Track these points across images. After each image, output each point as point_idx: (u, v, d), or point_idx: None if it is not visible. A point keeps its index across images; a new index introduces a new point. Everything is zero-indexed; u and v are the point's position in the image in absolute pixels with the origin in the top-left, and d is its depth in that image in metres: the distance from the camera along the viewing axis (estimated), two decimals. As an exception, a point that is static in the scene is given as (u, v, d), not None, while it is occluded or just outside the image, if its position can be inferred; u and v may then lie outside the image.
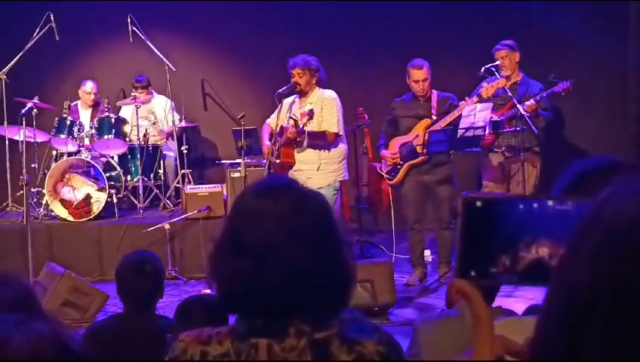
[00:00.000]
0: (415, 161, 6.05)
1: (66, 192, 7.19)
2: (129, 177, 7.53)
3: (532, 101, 5.95)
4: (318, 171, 5.81)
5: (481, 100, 5.84)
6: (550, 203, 0.97)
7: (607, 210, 0.68)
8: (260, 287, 1.45)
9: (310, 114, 5.53)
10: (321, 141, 5.82)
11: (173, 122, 7.86)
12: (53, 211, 7.18)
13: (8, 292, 1.57)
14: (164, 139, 7.94)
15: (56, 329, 0.95)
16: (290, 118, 5.70)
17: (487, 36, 7.52)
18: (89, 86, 8.01)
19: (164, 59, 7.86)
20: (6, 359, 0.89)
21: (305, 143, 5.73)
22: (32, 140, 7.14)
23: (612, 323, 0.64)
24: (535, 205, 0.98)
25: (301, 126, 5.59)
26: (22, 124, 6.84)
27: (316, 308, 1.47)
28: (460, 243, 1.03)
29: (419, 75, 6.01)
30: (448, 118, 5.92)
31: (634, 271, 0.64)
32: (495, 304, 2.01)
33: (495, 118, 6.00)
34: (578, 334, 0.66)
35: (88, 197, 7.23)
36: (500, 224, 0.99)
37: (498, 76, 5.92)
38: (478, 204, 1.00)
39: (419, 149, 6.01)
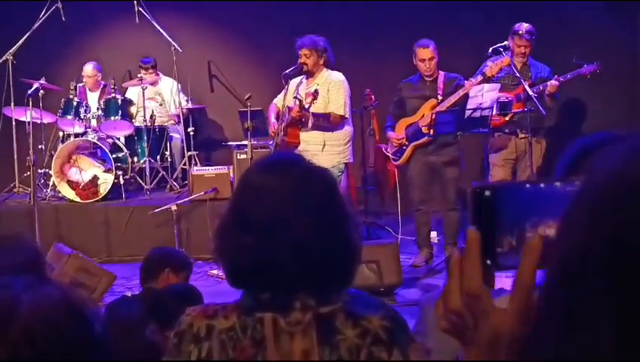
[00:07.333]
0: (419, 141, 6.03)
1: (73, 173, 7.20)
2: (136, 159, 7.53)
3: (554, 81, 5.94)
4: (322, 151, 5.79)
5: (485, 79, 5.81)
6: (558, 184, 0.97)
7: (600, 165, 0.69)
8: (265, 262, 1.45)
9: (315, 94, 5.51)
10: (326, 122, 5.79)
11: (180, 104, 7.85)
12: (60, 192, 7.20)
13: (18, 255, 1.58)
14: (175, 123, 7.93)
15: (66, 293, 0.95)
16: (295, 98, 5.69)
17: (498, 17, 7.47)
18: (88, 69, 7.94)
19: (171, 40, 7.83)
20: (16, 320, 0.90)
21: (310, 123, 5.71)
22: (38, 121, 7.14)
23: (610, 274, 0.63)
24: (542, 186, 0.97)
25: (305, 106, 5.57)
26: (28, 105, 6.83)
27: (321, 282, 1.47)
28: None
29: (425, 54, 5.98)
30: (453, 98, 5.89)
31: (628, 219, 0.63)
32: (499, 286, 2.00)
33: (504, 98, 5.97)
34: (576, 289, 0.65)
35: (95, 178, 7.24)
36: (508, 208, 0.98)
37: (505, 55, 5.88)
38: (487, 193, 0.99)
39: (424, 130, 5.99)
